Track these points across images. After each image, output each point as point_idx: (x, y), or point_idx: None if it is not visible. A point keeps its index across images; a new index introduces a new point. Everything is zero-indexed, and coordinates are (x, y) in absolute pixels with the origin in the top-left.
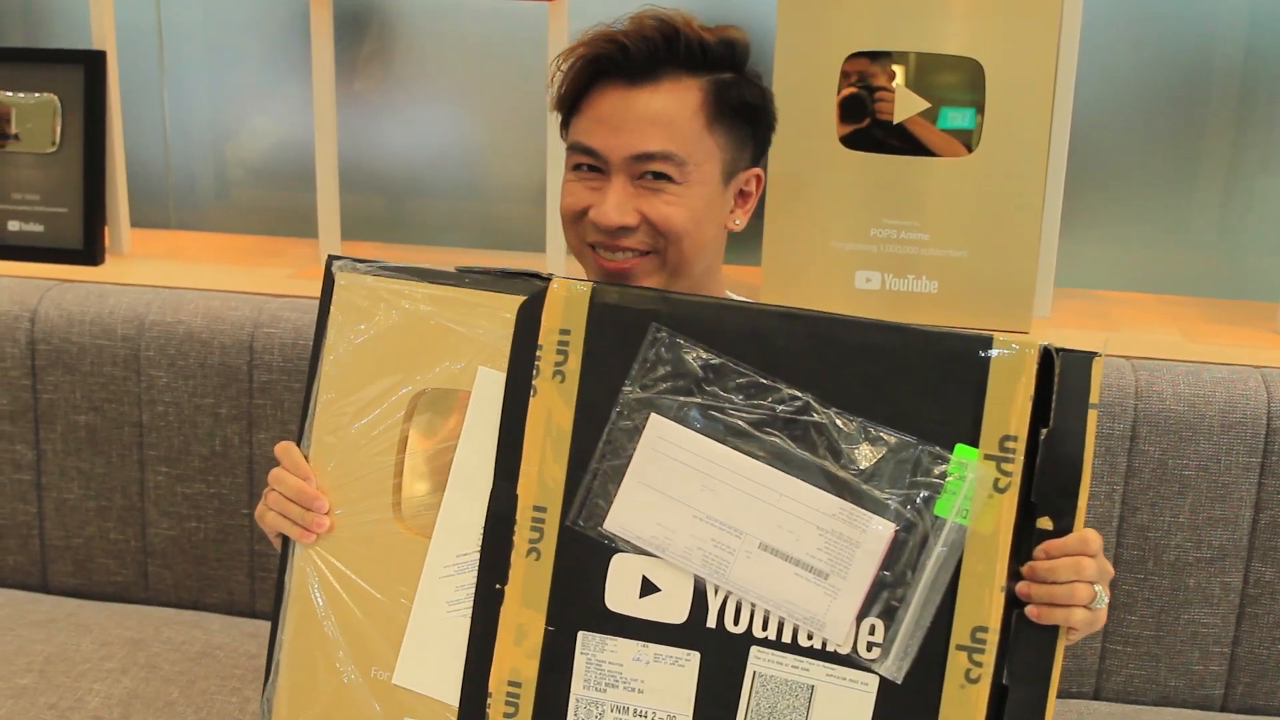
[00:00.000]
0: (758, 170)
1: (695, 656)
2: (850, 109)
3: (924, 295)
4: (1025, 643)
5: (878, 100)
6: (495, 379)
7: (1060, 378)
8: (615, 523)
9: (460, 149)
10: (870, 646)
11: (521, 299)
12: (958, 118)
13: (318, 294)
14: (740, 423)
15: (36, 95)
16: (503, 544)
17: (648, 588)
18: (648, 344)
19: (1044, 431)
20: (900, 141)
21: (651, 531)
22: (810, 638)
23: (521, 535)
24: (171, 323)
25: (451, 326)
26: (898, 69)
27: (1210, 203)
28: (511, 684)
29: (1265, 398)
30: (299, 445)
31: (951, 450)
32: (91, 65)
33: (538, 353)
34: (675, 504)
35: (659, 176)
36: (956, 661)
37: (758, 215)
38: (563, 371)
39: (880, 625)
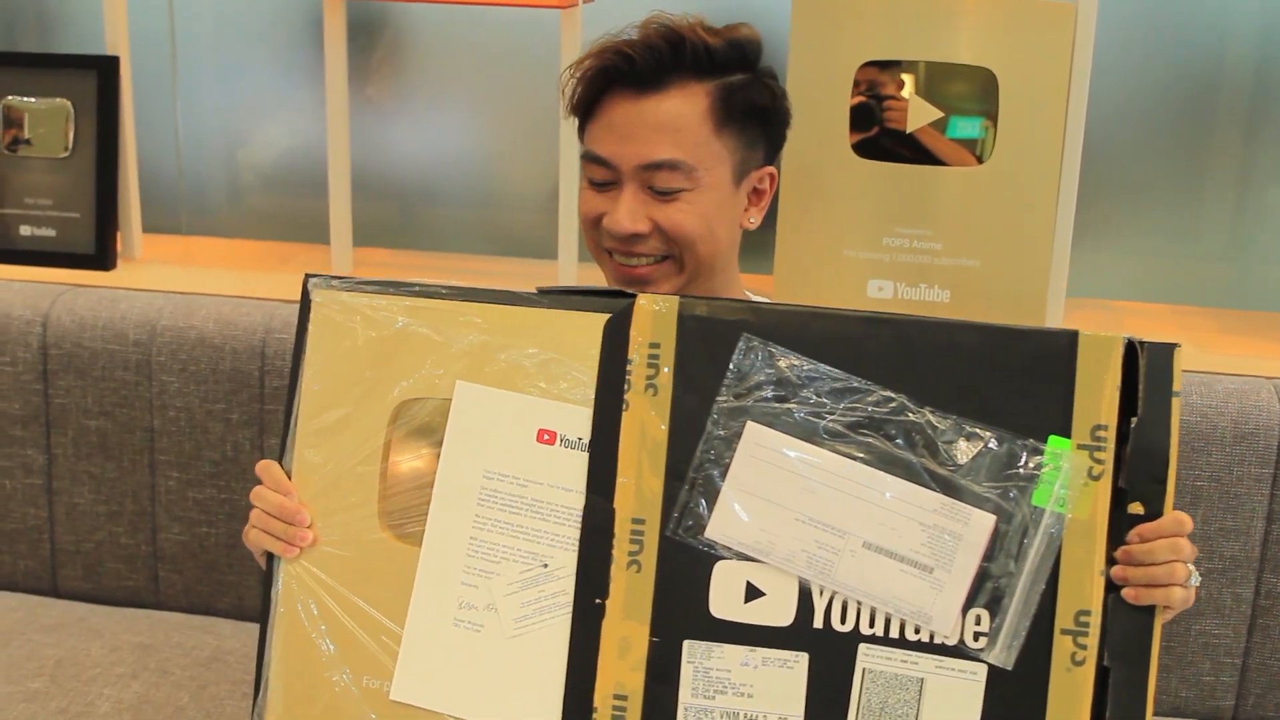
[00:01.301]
0: (771, 169)
1: (804, 658)
2: (859, 118)
3: (936, 305)
4: (1123, 624)
5: (886, 109)
6: (473, 393)
7: (1146, 368)
8: (717, 530)
9: (472, 156)
10: (977, 636)
11: (603, 316)
12: (967, 127)
13: None
14: (836, 425)
15: (50, 100)
16: (601, 558)
17: (752, 593)
18: (739, 353)
19: (1133, 420)
20: (910, 150)
21: (754, 537)
22: (917, 631)
23: (621, 548)
24: (183, 328)
25: (429, 335)
26: (907, 78)
27: (1222, 214)
28: (617, 697)
29: (1277, 409)
30: (280, 461)
31: (1045, 442)
32: (104, 71)
33: (628, 367)
34: (776, 508)
35: (668, 184)
36: (1062, 646)
37: (769, 224)
38: (655, 384)
39: (986, 615)
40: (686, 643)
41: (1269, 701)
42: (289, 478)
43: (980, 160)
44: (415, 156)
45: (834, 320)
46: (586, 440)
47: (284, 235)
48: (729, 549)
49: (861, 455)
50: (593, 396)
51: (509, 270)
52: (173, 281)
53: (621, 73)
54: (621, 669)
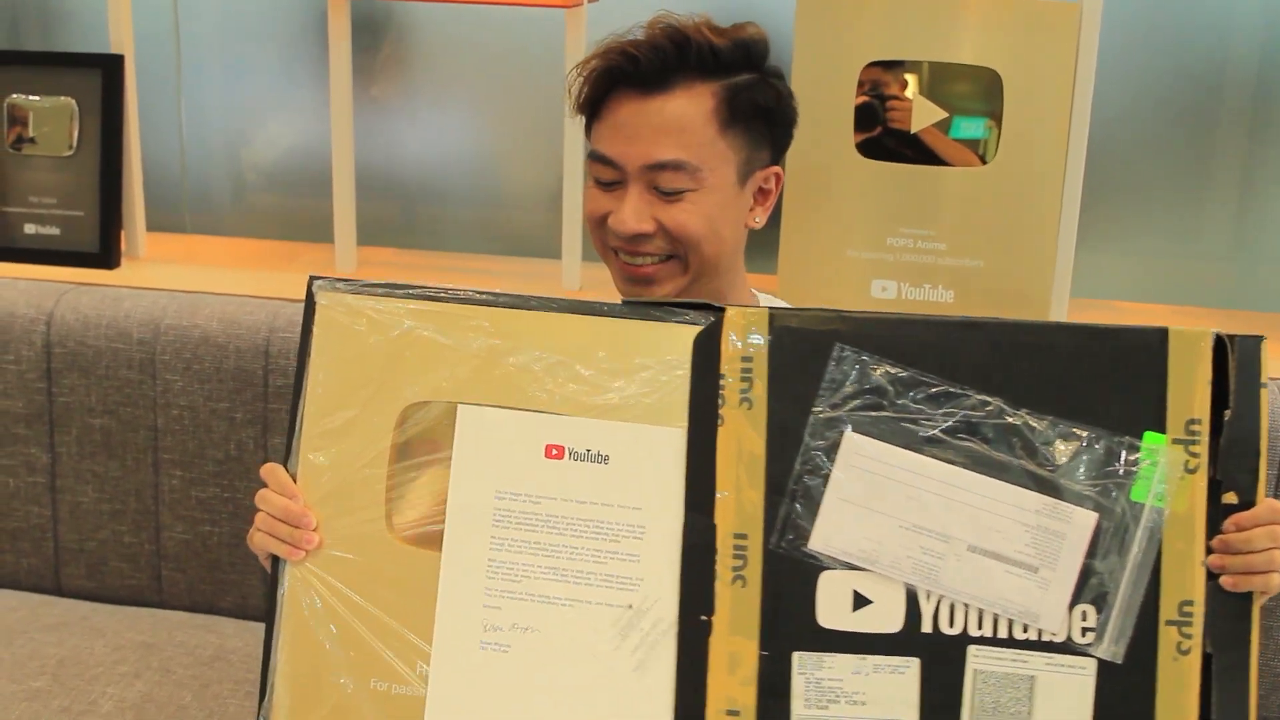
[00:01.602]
0: (777, 169)
1: (915, 662)
2: (863, 118)
3: (940, 305)
4: (1223, 612)
5: (890, 109)
6: (476, 415)
7: (1236, 361)
8: (820, 541)
9: (476, 155)
10: (1085, 632)
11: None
12: (970, 127)
13: None
14: (934, 432)
15: (54, 99)
16: (705, 575)
17: (859, 601)
18: (833, 364)
19: (1226, 413)
20: (913, 151)
21: (859, 546)
22: (1025, 630)
23: (725, 564)
24: (187, 327)
25: (435, 338)
26: (910, 78)
27: (1225, 214)
28: (730, 713)
29: None
30: (285, 465)
31: (1141, 438)
32: (109, 69)
33: (721, 382)
34: (880, 516)
35: (673, 185)
36: (1168, 636)
37: (774, 224)
38: (750, 398)
39: (1092, 611)
40: (796, 654)
41: (1271, 703)
42: (294, 481)
43: (984, 161)
44: (419, 155)
45: (926, 326)
46: (595, 451)
47: (288, 234)
48: (834, 559)
49: (961, 460)
50: (598, 401)
51: (513, 269)
52: (177, 280)
53: (627, 73)
54: (731, 684)
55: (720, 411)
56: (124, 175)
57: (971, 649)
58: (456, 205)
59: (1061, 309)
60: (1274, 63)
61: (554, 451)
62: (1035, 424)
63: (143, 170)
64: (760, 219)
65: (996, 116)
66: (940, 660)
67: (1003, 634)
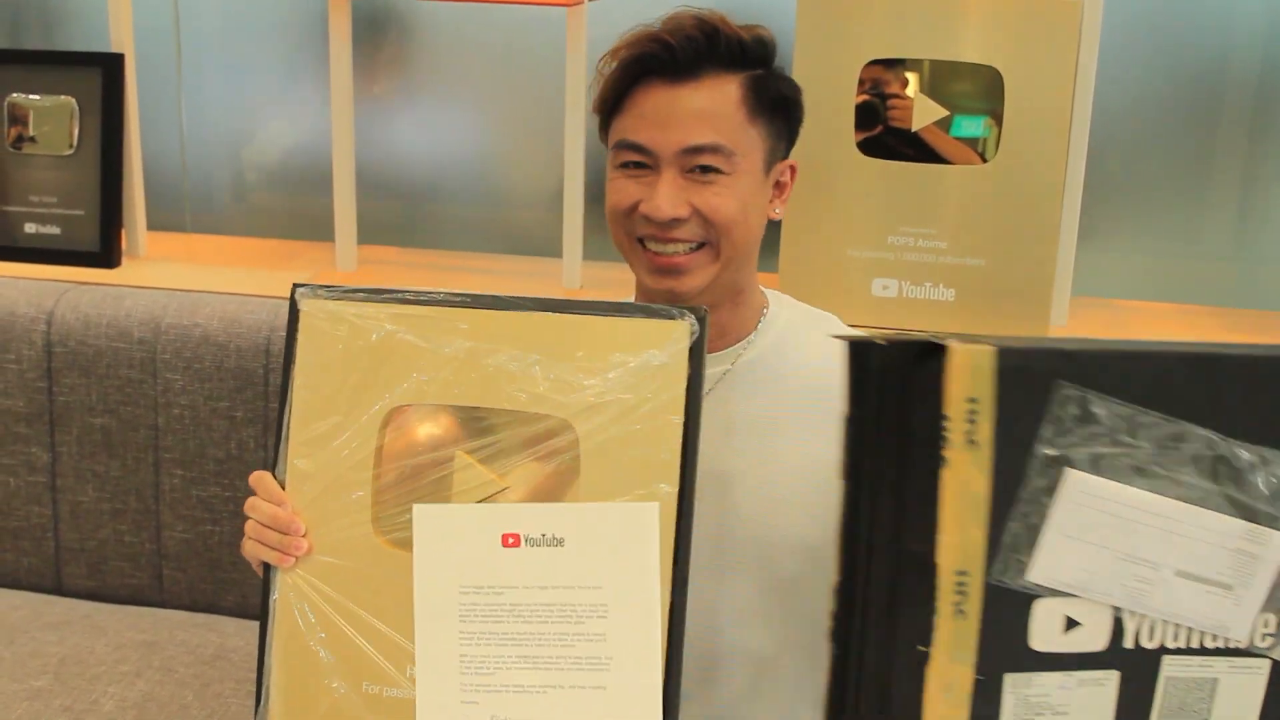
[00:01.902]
0: (792, 161)
1: (1115, 675)
2: (864, 116)
3: (941, 303)
4: None
5: (890, 108)
6: (433, 512)
7: None
8: (1038, 574)
9: (477, 154)
10: (1264, 637)
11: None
12: (971, 126)
13: None
14: (1152, 466)
15: (54, 98)
16: (925, 609)
17: (1070, 624)
18: (1057, 402)
19: None
20: (914, 149)
21: (1074, 576)
22: (1214, 639)
23: (946, 599)
24: (188, 326)
25: (416, 342)
26: (911, 76)
27: (1226, 213)
28: None
29: None
30: (273, 472)
31: None
32: (109, 68)
33: (944, 423)
34: (1096, 549)
35: (707, 170)
36: None
37: (775, 222)
38: (975, 440)
39: (1274, 618)
40: (1008, 676)
41: None
42: (282, 488)
43: (984, 159)
44: (420, 154)
45: (1150, 359)
46: (551, 535)
47: (289, 233)
48: (1048, 588)
49: (1175, 492)
50: (575, 399)
51: (514, 268)
52: (177, 279)
53: (660, 61)
54: (946, 706)
55: (944, 454)
56: (124, 174)
57: (1165, 659)
58: (457, 204)
59: (1063, 307)
60: (1275, 62)
61: (510, 540)
62: (1245, 454)
63: (143, 169)
64: (779, 211)
65: (997, 115)
66: (1137, 671)
67: (1194, 644)
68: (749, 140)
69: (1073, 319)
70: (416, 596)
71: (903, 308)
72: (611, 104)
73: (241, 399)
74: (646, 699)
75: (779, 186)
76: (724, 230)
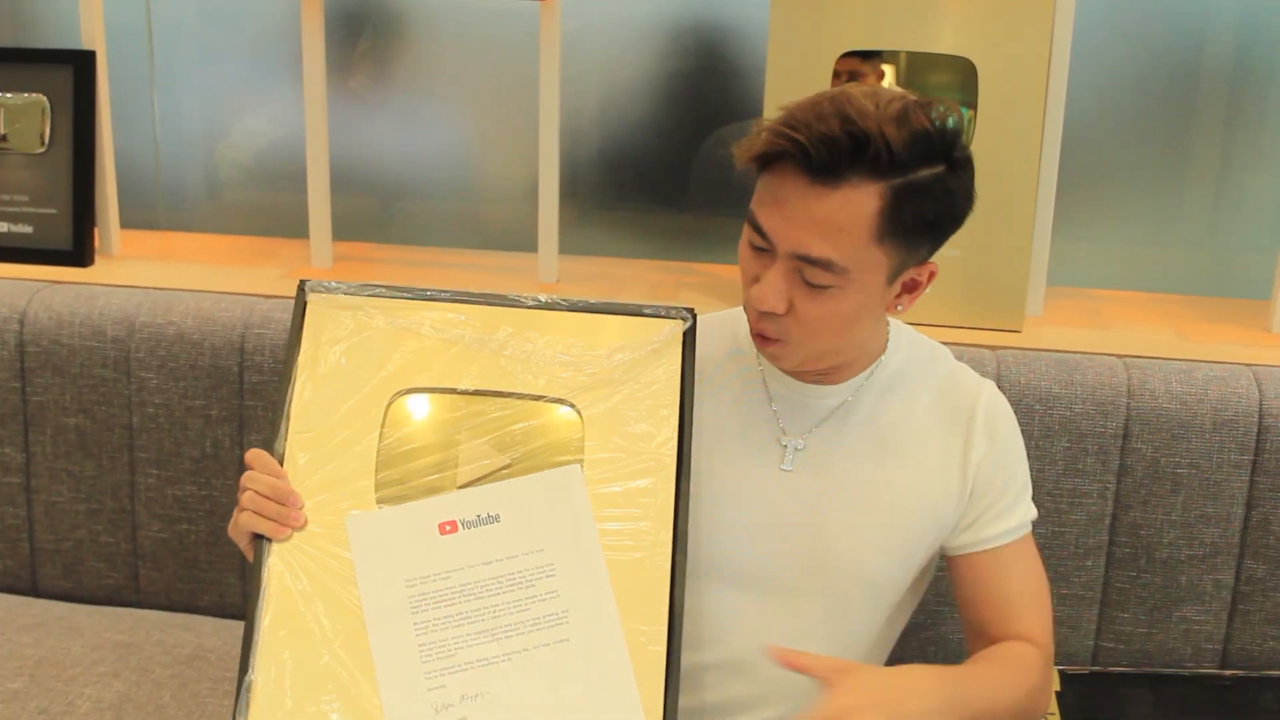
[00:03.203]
0: (932, 266)
1: None
2: None
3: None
4: None
5: None
6: (365, 519)
7: None
8: None
9: (453, 148)
10: None
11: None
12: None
13: None
14: None
15: (25, 95)
16: None
17: None
18: None
19: None
20: None
21: None
22: None
23: None
24: (162, 324)
25: (420, 336)
26: (887, 68)
27: (1201, 201)
28: None
29: (1257, 396)
30: (271, 452)
31: None
32: (81, 65)
33: None
34: None
35: (818, 281)
36: None
37: None
38: None
39: None
40: None
41: None
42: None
43: None
44: (396, 149)
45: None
46: (486, 514)
47: (263, 230)
48: None
49: None
50: (575, 382)
51: (490, 263)
52: (151, 277)
53: (796, 158)
54: None
55: None
56: (97, 172)
57: None
58: (433, 199)
59: (1038, 297)
60: (1249, 50)
61: (448, 528)
62: None
63: (116, 167)
64: (903, 308)
65: (972, 106)
66: None
67: None
68: (870, 259)
69: (1048, 309)
70: (363, 601)
71: None
72: (759, 165)
73: (217, 397)
74: (610, 640)
75: (911, 284)
76: (809, 339)
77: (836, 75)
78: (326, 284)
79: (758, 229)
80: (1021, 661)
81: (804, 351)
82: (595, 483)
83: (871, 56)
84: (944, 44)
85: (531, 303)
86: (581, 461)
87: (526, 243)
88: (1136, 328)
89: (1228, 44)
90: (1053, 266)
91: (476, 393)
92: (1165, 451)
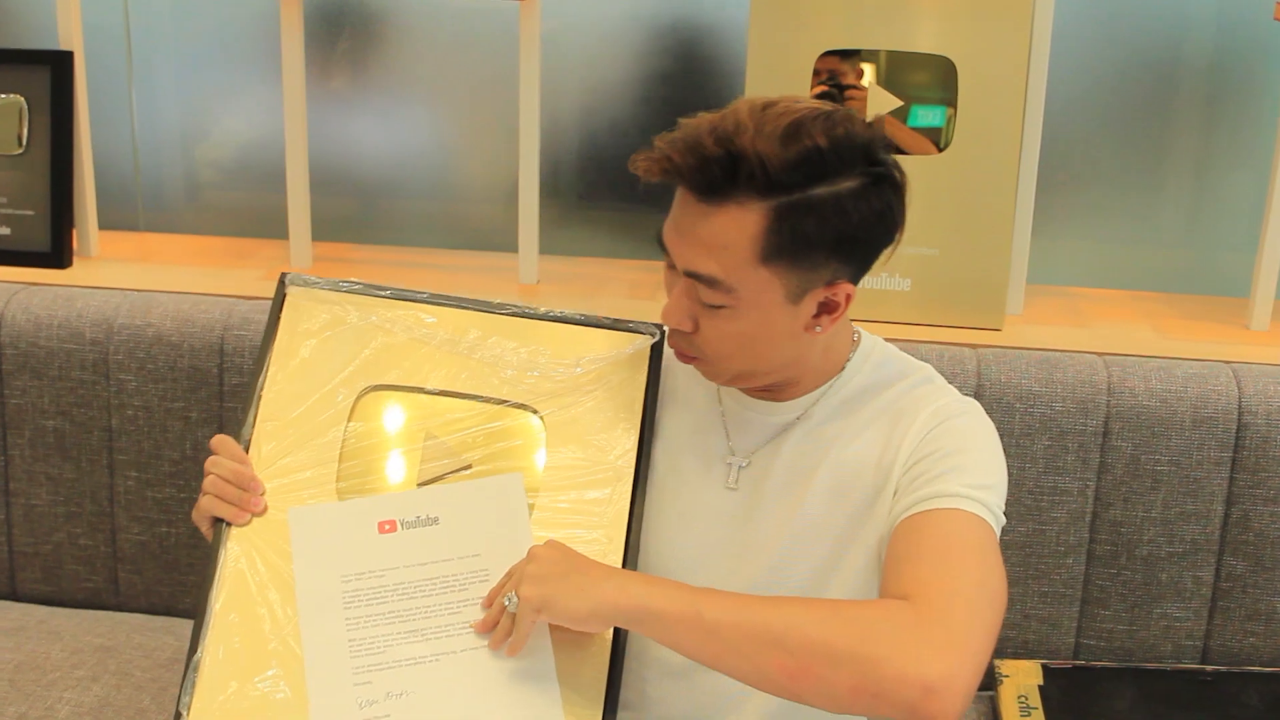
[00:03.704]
0: (848, 288)
1: None
2: None
3: (897, 293)
4: None
5: (847, 99)
6: (307, 513)
7: None
8: None
9: (432, 149)
10: None
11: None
12: (929, 116)
13: None
14: None
15: (2, 96)
16: None
17: None
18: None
19: None
20: None
21: None
22: None
23: None
24: (141, 326)
25: (392, 331)
26: (867, 67)
27: (1180, 200)
28: None
29: (1236, 393)
30: (238, 439)
31: None
32: (58, 66)
33: None
34: None
35: (709, 300)
36: None
37: None
38: None
39: None
40: None
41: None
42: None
43: (941, 149)
44: (375, 150)
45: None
46: (425, 516)
47: (243, 230)
48: None
49: None
50: (540, 388)
51: (470, 263)
52: (130, 279)
53: (679, 177)
54: None
55: None
56: (75, 173)
57: None
58: (413, 199)
59: (1018, 296)
60: (1227, 48)
61: (387, 527)
62: None
63: (94, 168)
64: (823, 329)
65: (952, 106)
66: None
67: None
68: (758, 279)
69: (1028, 307)
70: (298, 593)
71: (859, 298)
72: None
73: (196, 399)
74: (538, 650)
75: (828, 307)
76: (718, 359)
77: (817, 74)
78: (306, 278)
79: (662, 246)
80: (855, 604)
81: (724, 370)
82: (553, 489)
83: (851, 56)
84: (923, 43)
85: (505, 309)
86: (524, 469)
87: (507, 243)
88: (1116, 326)
89: (1206, 42)
90: (1033, 265)
91: (442, 393)
92: (1145, 449)
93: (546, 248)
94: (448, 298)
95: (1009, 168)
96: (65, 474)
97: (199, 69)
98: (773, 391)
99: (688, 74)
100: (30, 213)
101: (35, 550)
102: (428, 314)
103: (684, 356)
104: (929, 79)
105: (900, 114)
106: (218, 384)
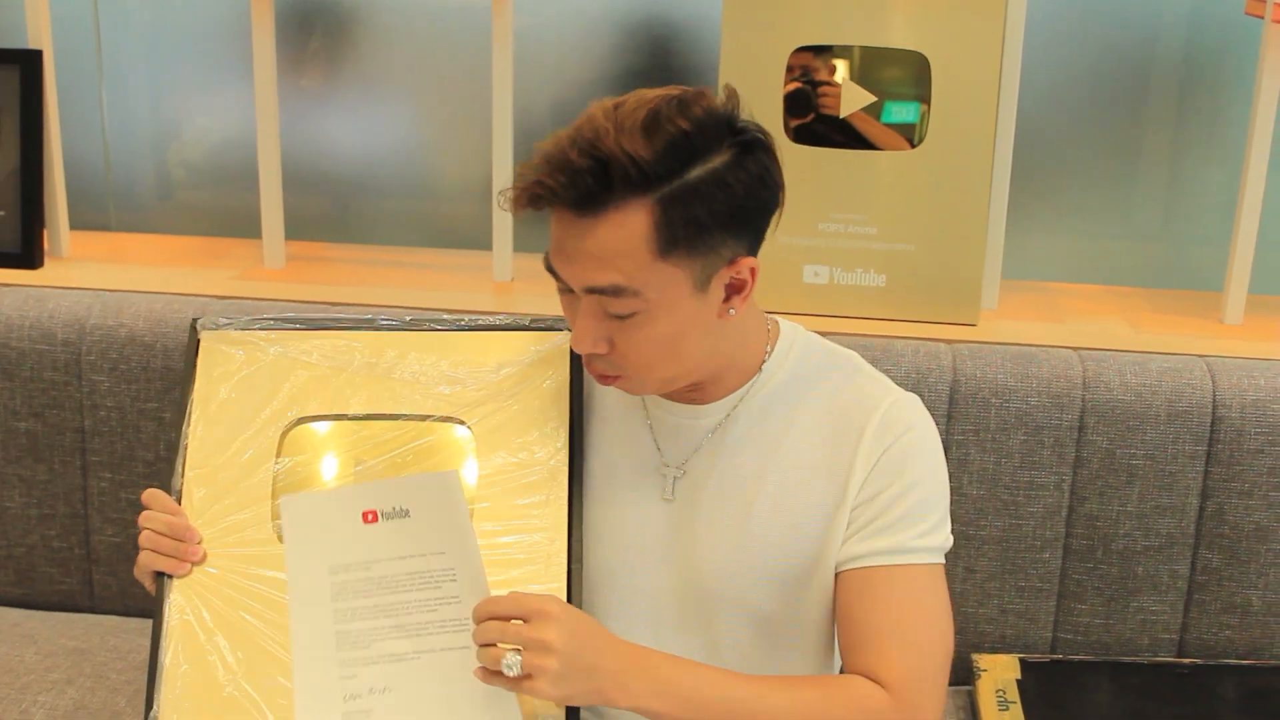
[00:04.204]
0: (751, 261)
1: None
2: (794, 104)
3: (872, 289)
4: None
5: (821, 95)
6: (298, 502)
7: None
8: None
9: (406, 147)
10: None
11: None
12: (902, 112)
13: (262, 295)
14: None
15: None
16: None
17: None
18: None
19: None
20: (843, 136)
21: None
22: None
23: None
24: (113, 326)
25: (312, 361)
26: (840, 63)
27: (1153, 194)
28: None
29: (1210, 387)
30: (169, 491)
31: None
32: (27, 65)
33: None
34: None
35: (618, 310)
36: None
37: None
38: None
39: None
40: None
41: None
42: (178, 504)
43: (914, 145)
44: (349, 148)
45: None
46: (398, 508)
47: (216, 230)
48: None
49: None
50: (464, 399)
51: (444, 261)
52: (102, 279)
53: (553, 198)
54: None
55: None
56: (45, 173)
57: None
58: (386, 198)
59: (993, 291)
60: (1200, 44)
61: (369, 517)
62: None
63: (65, 168)
64: (736, 310)
65: (926, 101)
66: None
67: None
68: (662, 275)
69: (1003, 302)
70: (290, 584)
71: (834, 294)
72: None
73: (170, 399)
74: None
75: (735, 287)
76: (642, 370)
77: (790, 70)
78: (217, 320)
79: (552, 273)
80: (844, 694)
81: (648, 381)
82: (489, 498)
83: (824, 52)
84: (897, 38)
85: (419, 325)
86: (471, 475)
87: (481, 241)
88: (1091, 320)
89: (1179, 37)
90: (1007, 260)
91: (367, 417)
92: (1120, 443)
93: (521, 245)
94: (360, 321)
95: (983, 163)
96: (38, 476)
97: (170, 67)
98: (697, 392)
99: (661, 71)
100: (0, 213)
101: (8, 553)
102: (343, 340)
103: (605, 379)
104: (903, 75)
105: (874, 110)
106: None
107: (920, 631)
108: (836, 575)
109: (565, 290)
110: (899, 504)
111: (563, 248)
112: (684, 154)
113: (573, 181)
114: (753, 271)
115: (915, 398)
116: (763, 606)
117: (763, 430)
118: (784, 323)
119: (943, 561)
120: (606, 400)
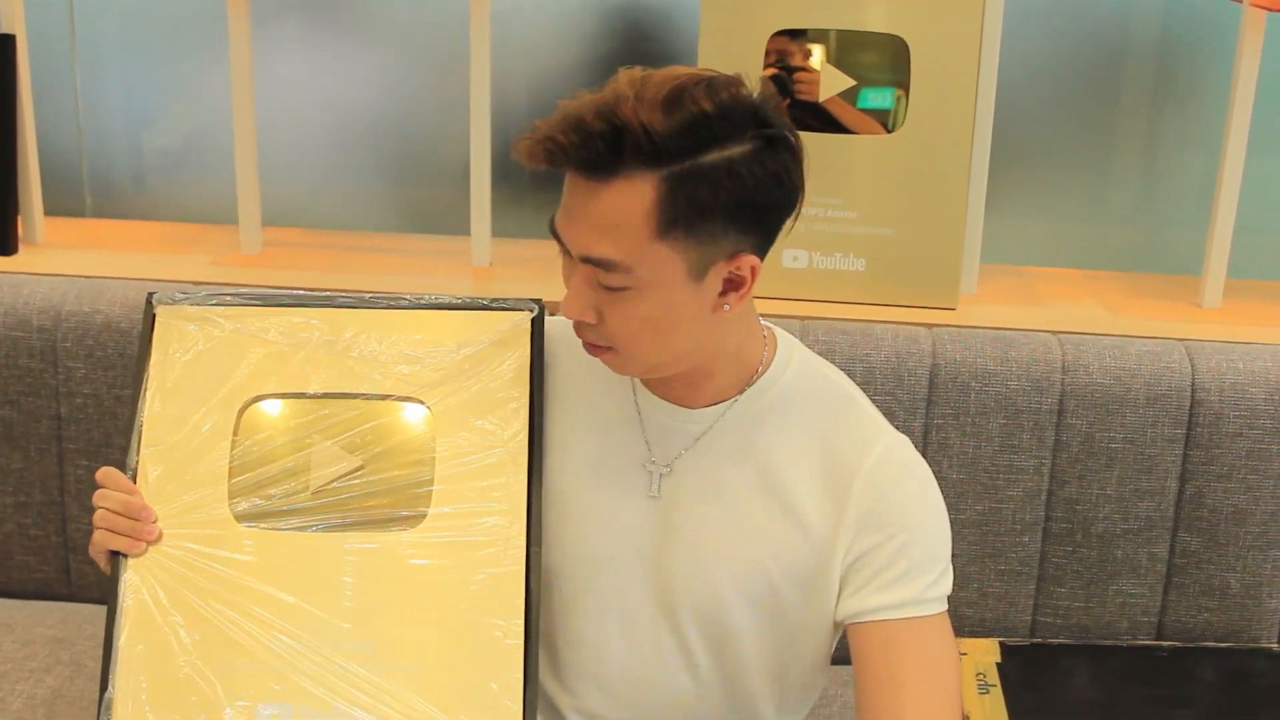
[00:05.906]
0: (752, 259)
1: None
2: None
3: (851, 273)
4: None
5: (798, 80)
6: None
7: None
8: None
9: (383, 132)
10: None
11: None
12: (877, 98)
13: (239, 281)
14: None
15: None
16: None
17: None
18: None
19: None
20: (818, 121)
21: None
22: None
23: None
24: (89, 313)
25: (270, 338)
26: (816, 48)
27: (1130, 178)
28: None
29: (1189, 370)
30: (124, 469)
31: None
32: (0, 49)
33: None
34: None
35: (609, 283)
36: None
37: None
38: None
39: None
40: None
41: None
42: (133, 482)
43: (890, 130)
44: (325, 133)
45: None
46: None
47: (192, 216)
48: None
49: None
50: (423, 379)
51: (422, 247)
52: (77, 265)
53: (565, 157)
54: None
55: None
56: (19, 159)
57: None
58: (363, 183)
59: (972, 275)
60: (1175, 28)
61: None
62: None
63: (39, 153)
64: (731, 307)
65: (904, 85)
66: None
67: None
68: (657, 254)
69: (981, 287)
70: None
71: (814, 278)
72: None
73: None
74: None
75: (733, 283)
76: (628, 347)
77: (768, 55)
78: (173, 295)
79: (556, 236)
80: None
81: (634, 361)
82: (447, 479)
83: (798, 36)
84: (875, 22)
85: (378, 302)
86: (419, 461)
87: (459, 226)
88: (1070, 304)
89: (1155, 22)
90: (986, 244)
91: (326, 395)
92: (1099, 426)
93: (499, 230)
94: (319, 297)
95: (962, 147)
96: (13, 464)
97: (145, 52)
98: (688, 390)
99: (639, 55)
100: None
101: None
102: (301, 316)
103: (594, 349)
104: (881, 59)
105: (850, 95)
106: None
107: (944, 681)
108: (849, 625)
109: (566, 253)
110: (904, 557)
111: (569, 209)
112: (701, 135)
113: (585, 143)
114: (753, 270)
115: (906, 439)
116: (734, 622)
117: (752, 444)
118: (780, 333)
119: (947, 602)
120: (598, 390)
